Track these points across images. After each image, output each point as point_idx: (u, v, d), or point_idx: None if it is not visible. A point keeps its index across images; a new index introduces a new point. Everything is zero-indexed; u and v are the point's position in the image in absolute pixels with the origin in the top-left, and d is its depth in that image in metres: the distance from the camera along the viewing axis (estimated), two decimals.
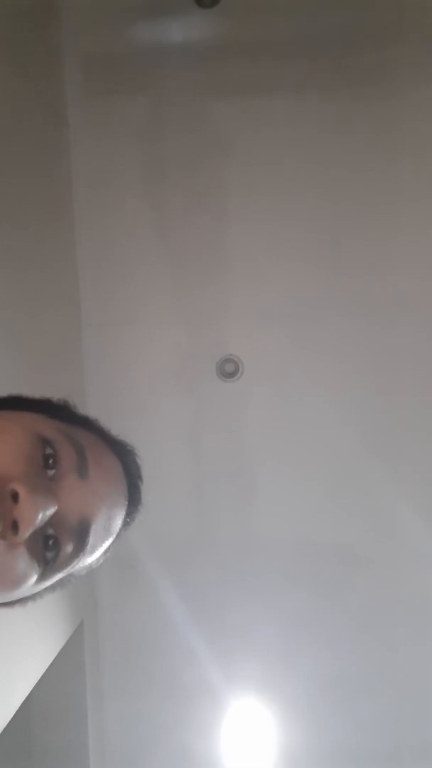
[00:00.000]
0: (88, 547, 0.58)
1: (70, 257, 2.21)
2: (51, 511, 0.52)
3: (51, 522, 0.53)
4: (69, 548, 0.56)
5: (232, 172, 2.19)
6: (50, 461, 0.55)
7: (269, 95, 2.14)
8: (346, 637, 2.29)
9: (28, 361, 1.76)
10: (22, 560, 0.52)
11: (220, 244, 2.22)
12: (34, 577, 0.54)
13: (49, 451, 0.55)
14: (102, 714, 2.34)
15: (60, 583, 0.62)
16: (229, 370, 2.26)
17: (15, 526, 0.50)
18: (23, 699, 1.66)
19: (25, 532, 0.50)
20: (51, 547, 0.54)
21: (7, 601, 0.58)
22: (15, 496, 0.50)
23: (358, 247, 2.18)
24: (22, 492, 0.50)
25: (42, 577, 0.55)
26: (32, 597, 0.60)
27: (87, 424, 0.64)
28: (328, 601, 2.24)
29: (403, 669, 2.28)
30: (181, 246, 2.24)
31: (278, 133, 2.15)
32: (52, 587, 0.61)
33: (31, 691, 1.72)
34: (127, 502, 0.64)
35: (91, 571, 0.65)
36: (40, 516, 0.50)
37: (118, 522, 0.62)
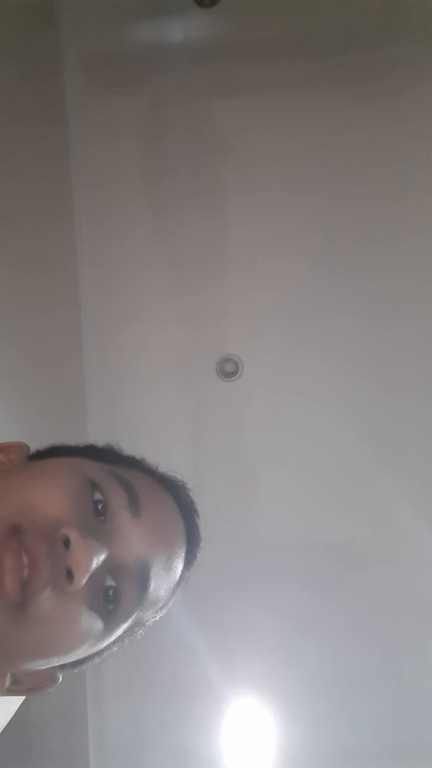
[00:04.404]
0: (151, 591, 0.54)
1: (70, 257, 2.21)
2: (104, 555, 0.49)
3: (108, 569, 0.50)
4: (130, 595, 0.52)
5: (232, 172, 2.19)
6: (100, 506, 0.52)
7: (269, 95, 2.14)
8: (347, 636, 2.28)
9: (28, 360, 1.76)
10: (83, 614, 0.49)
11: (220, 244, 2.22)
12: (98, 633, 0.51)
13: (98, 496, 0.52)
14: (102, 714, 2.34)
15: (127, 634, 0.58)
16: (229, 370, 2.26)
17: (69, 575, 0.46)
18: (23, 699, 1.66)
19: (81, 580, 0.46)
20: (111, 599, 0.51)
21: (73, 660, 0.54)
22: (66, 542, 0.47)
23: (358, 247, 2.18)
24: (73, 537, 0.47)
25: (106, 631, 0.52)
26: (99, 654, 0.57)
27: (133, 463, 0.63)
28: (328, 601, 2.24)
29: (403, 669, 2.28)
30: (181, 246, 2.24)
31: (278, 133, 2.15)
32: (120, 640, 0.58)
33: None
34: (186, 540, 0.60)
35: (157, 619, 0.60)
36: (95, 561, 0.47)
37: (179, 562, 0.59)
